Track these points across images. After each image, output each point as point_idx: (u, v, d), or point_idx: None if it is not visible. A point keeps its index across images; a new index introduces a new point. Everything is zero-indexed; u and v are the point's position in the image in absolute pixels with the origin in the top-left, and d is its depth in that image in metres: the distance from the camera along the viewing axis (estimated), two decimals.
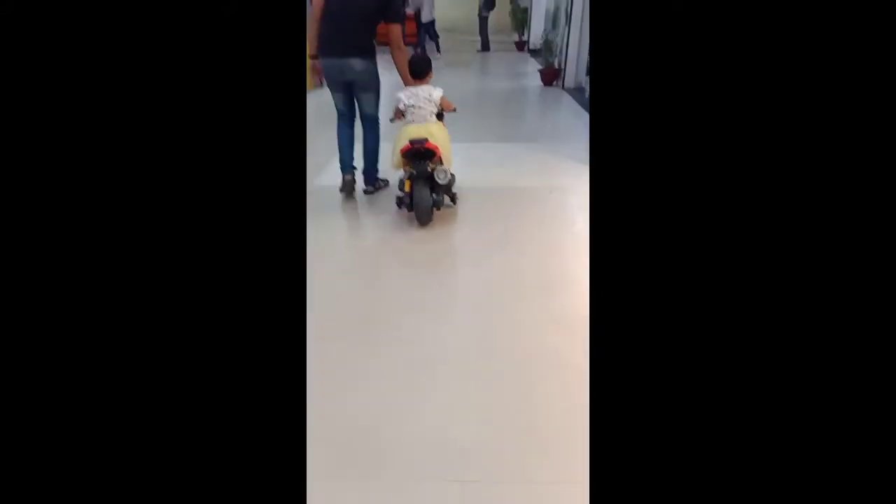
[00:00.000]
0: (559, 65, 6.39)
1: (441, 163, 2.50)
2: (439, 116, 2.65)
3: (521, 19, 10.32)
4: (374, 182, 2.87)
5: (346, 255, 2.44)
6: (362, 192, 2.90)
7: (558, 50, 6.39)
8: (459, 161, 3.21)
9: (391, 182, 2.94)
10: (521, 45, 10.40)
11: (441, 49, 9.59)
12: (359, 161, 2.85)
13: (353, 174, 2.81)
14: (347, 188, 2.80)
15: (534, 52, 9.84)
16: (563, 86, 6.19)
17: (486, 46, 10.30)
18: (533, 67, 8.08)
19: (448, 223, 2.70)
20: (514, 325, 1.85)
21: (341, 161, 2.81)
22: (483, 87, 6.73)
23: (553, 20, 9.14)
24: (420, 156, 2.44)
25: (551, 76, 6.37)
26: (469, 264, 2.29)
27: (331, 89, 2.73)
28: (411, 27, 9.72)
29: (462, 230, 2.63)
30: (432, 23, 9.32)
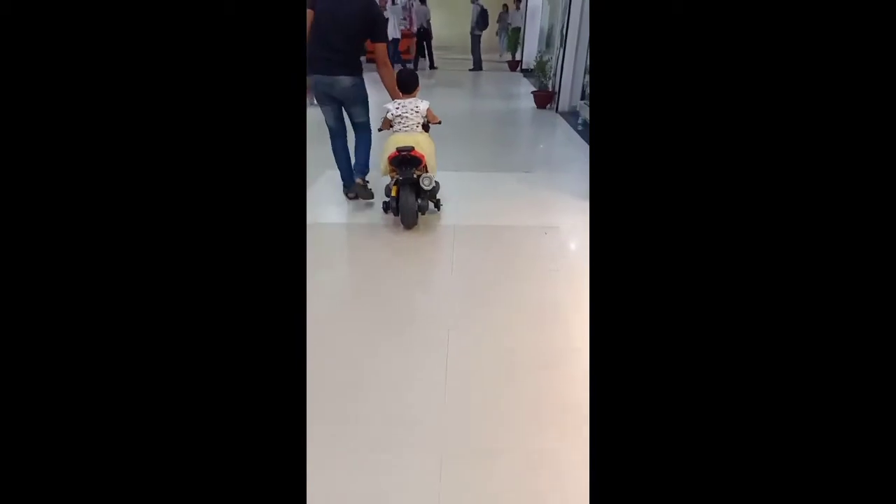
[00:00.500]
0: (553, 87, 6.16)
1: (426, 170, 2.59)
2: (425, 128, 2.73)
3: (513, 39, 10.19)
4: (364, 178, 2.86)
5: (328, 275, 2.12)
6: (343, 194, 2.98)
7: (552, 72, 6.17)
8: (447, 192, 2.99)
9: (376, 197, 2.95)
10: (513, 65, 10.24)
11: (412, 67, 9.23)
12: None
13: (364, 179, 2.87)
14: (360, 192, 2.85)
15: (527, 73, 9.68)
16: (557, 109, 5.95)
17: (478, 65, 10.12)
18: (526, 88, 7.88)
19: (434, 261, 2.40)
20: (495, 421, 1.51)
21: (343, 179, 2.94)
22: (474, 108, 6.48)
23: (547, 41, 9.00)
24: (406, 162, 2.52)
25: (545, 99, 6.14)
26: (449, 330, 1.96)
27: (320, 105, 2.77)
28: (408, 43, 9.64)
29: (445, 277, 2.31)
30: (396, 41, 9.08)
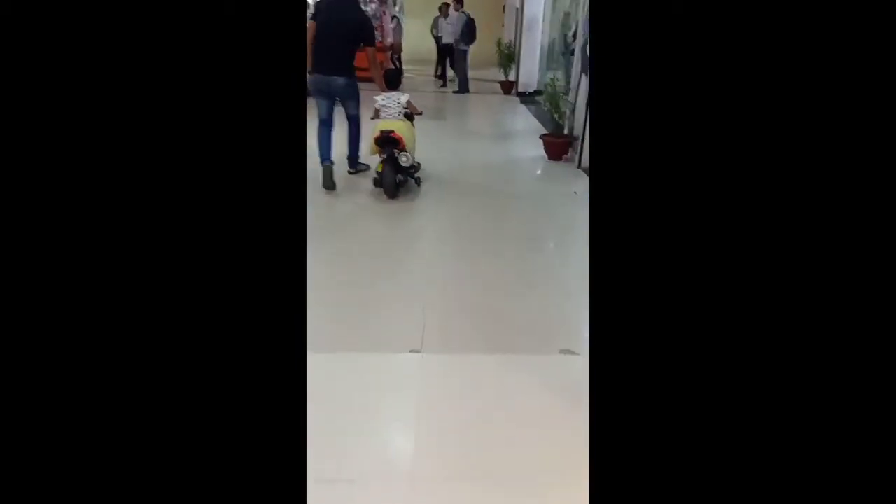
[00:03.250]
0: (571, 130, 4.30)
1: (404, 150, 3.11)
2: (408, 117, 3.37)
3: (506, 55, 8.36)
4: (356, 166, 3.59)
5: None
6: (346, 173, 3.52)
7: (571, 107, 4.30)
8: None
9: (371, 168, 3.38)
10: (507, 87, 8.38)
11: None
12: (344, 151, 3.54)
13: (331, 165, 3.30)
14: (327, 174, 3.28)
15: (525, 97, 7.85)
16: (579, 163, 4.06)
17: (464, 87, 8.25)
18: (527, 122, 6.01)
19: None
20: None
21: (320, 156, 3.30)
22: (458, 160, 4.38)
23: (556, 59, 7.21)
24: (387, 142, 3.10)
25: (560, 149, 4.25)
26: None
27: (316, 99, 3.27)
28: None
29: None
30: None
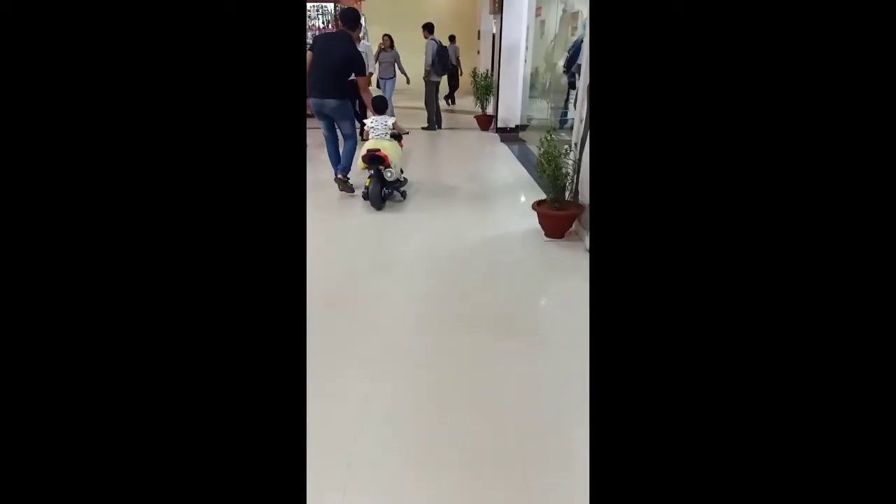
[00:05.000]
0: (575, 194, 3.22)
1: (389, 166, 3.54)
2: (396, 137, 3.88)
3: (483, 87, 7.37)
4: (345, 175, 3.92)
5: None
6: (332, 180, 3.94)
7: (575, 165, 3.22)
8: None
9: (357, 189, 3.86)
10: (485, 122, 7.38)
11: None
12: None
13: (345, 176, 3.89)
14: (341, 185, 3.91)
15: (505, 134, 6.84)
16: (590, 244, 2.97)
17: (435, 122, 7.21)
18: (509, 166, 4.94)
19: None
20: None
21: (334, 167, 3.98)
22: (422, 250, 3.34)
23: (544, 92, 6.26)
24: (374, 160, 3.52)
25: (561, 224, 3.16)
26: None
27: (317, 119, 3.83)
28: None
29: None
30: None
